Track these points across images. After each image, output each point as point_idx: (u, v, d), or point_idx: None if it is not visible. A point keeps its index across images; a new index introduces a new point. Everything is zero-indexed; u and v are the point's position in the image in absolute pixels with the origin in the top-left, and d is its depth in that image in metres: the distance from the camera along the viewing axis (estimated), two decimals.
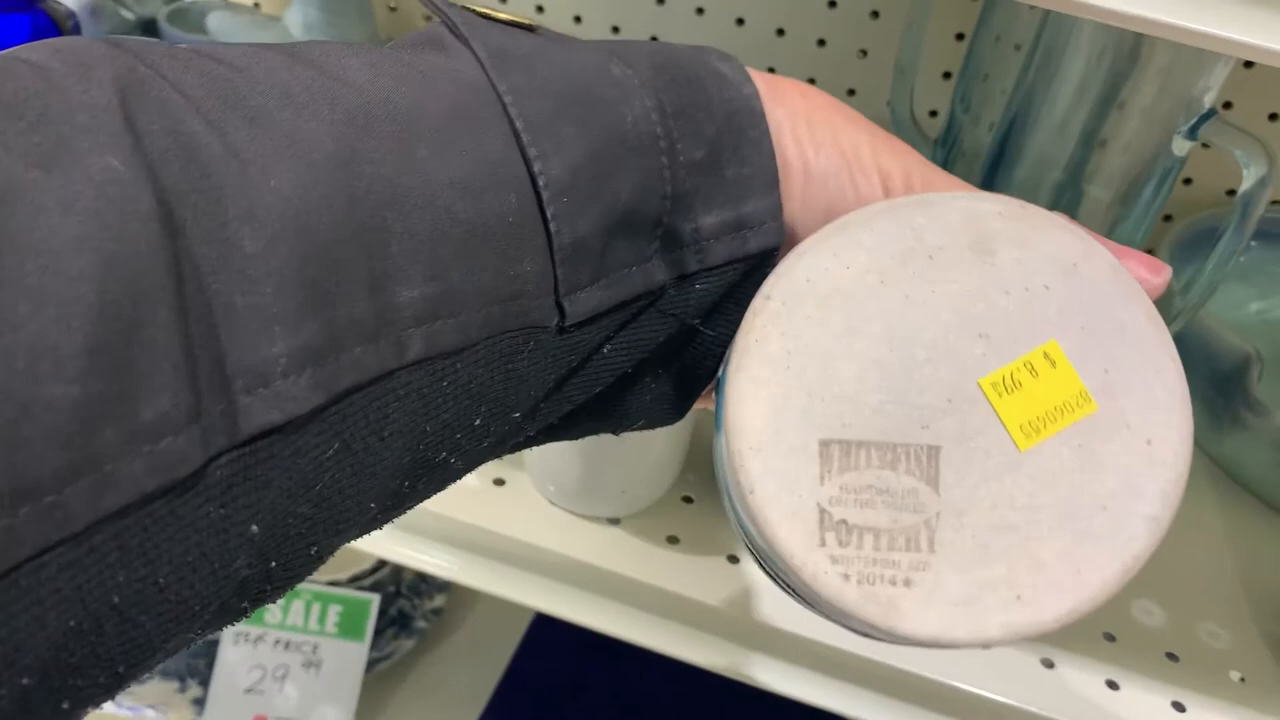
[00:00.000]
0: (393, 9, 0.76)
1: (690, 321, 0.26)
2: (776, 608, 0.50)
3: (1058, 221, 0.23)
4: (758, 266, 0.26)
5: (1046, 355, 0.22)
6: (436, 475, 0.24)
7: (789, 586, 0.23)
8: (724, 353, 0.27)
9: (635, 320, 0.26)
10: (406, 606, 0.86)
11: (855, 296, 0.23)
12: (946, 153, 0.62)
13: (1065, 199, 0.53)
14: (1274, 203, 0.66)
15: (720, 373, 0.25)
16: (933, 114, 0.68)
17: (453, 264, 0.21)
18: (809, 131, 0.25)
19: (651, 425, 0.29)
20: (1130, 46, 0.47)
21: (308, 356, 0.19)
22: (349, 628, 0.79)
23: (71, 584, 0.17)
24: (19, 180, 0.17)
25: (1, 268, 0.16)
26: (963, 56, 0.58)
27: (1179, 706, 0.47)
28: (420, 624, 0.87)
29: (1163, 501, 0.22)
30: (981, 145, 0.55)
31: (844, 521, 0.22)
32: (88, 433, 0.16)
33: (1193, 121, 0.48)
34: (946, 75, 0.66)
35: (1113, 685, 0.48)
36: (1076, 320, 0.22)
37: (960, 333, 0.22)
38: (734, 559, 0.52)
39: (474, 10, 0.25)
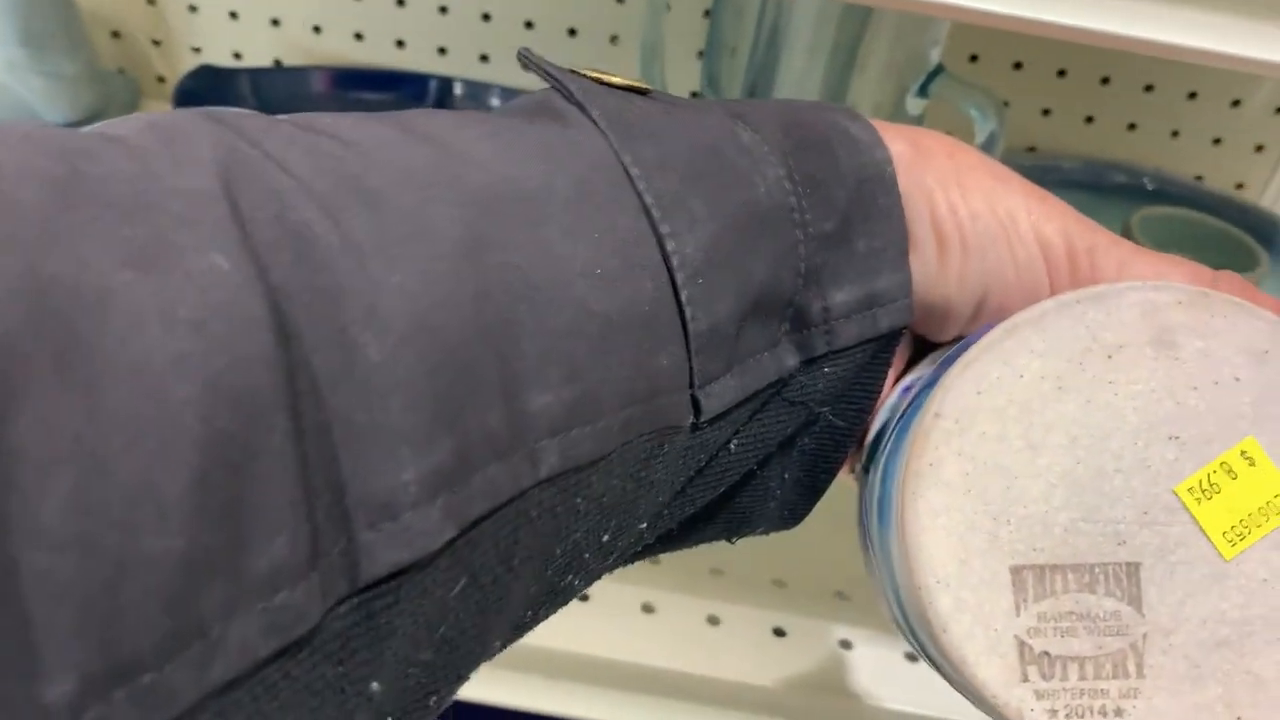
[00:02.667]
0: (116, 35, 0.71)
1: (818, 410, 0.24)
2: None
3: (1242, 306, 0.22)
4: (884, 348, 0.24)
5: (1244, 454, 0.21)
6: (558, 600, 0.22)
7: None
8: (849, 444, 0.25)
9: (762, 411, 0.23)
10: None
11: (1032, 406, 0.21)
12: None
13: None
14: (1030, 149, 0.66)
15: (878, 491, 0.23)
16: (695, 95, 0.66)
17: (589, 363, 0.19)
18: (962, 198, 0.23)
19: (769, 530, 0.27)
20: (860, 6, 0.47)
21: (439, 481, 0.17)
22: None
23: None
24: (112, 284, 0.14)
25: (94, 393, 0.13)
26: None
27: None
28: None
29: None
30: None
31: (1046, 653, 0.21)
32: (193, 592, 0.14)
33: (922, 79, 0.47)
34: (701, 54, 0.65)
35: None
36: (1273, 411, 0.21)
37: (1149, 437, 0.21)
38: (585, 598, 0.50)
39: (586, 75, 0.22)
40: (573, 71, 0.22)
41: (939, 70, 0.48)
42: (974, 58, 0.63)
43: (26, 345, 0.13)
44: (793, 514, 0.27)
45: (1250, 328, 0.21)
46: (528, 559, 0.19)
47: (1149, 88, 0.64)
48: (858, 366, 0.24)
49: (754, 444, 0.24)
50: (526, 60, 0.23)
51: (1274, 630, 0.21)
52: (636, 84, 0.23)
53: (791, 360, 0.23)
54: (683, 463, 0.22)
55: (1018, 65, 0.64)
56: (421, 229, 0.17)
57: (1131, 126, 0.66)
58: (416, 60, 0.68)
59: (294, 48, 0.68)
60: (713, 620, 0.51)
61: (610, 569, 0.23)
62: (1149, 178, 0.65)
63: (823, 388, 0.24)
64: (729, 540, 0.27)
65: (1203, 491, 0.21)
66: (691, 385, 0.21)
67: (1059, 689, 0.21)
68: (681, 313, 0.20)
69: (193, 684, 0.14)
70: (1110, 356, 0.21)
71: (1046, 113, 0.66)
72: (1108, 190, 0.65)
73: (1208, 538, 0.21)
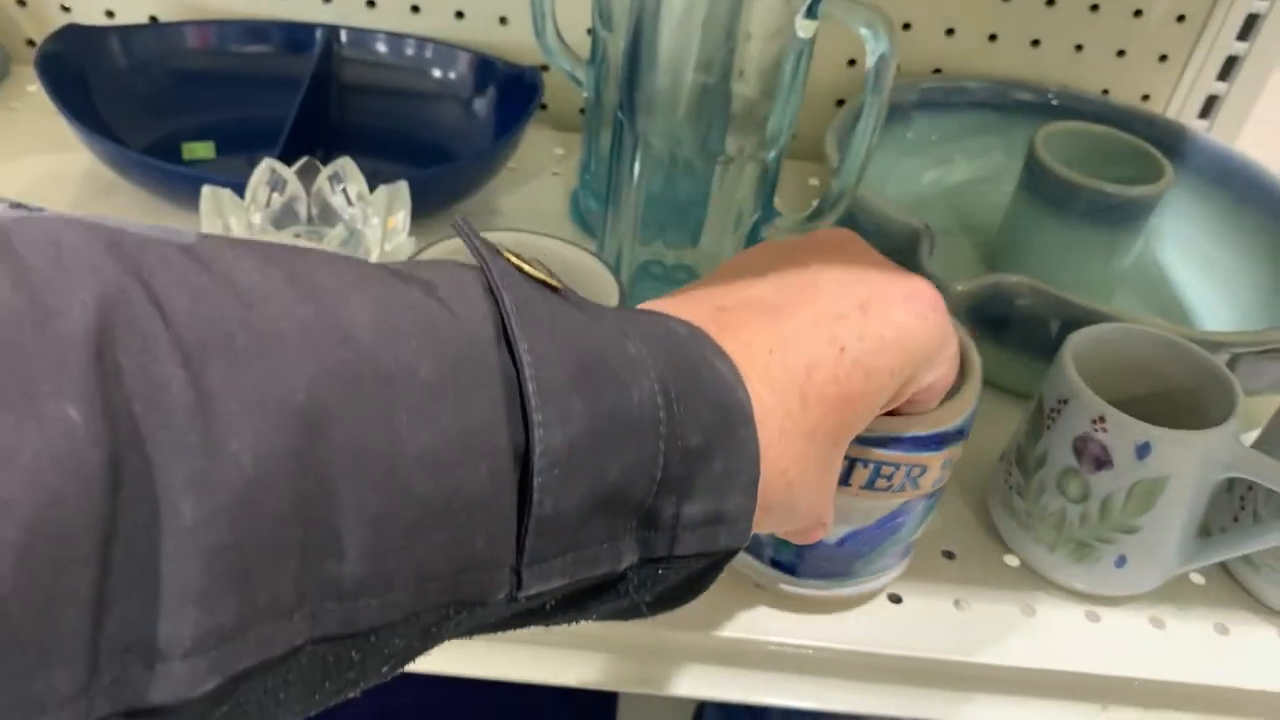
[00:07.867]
0: None
1: (638, 600, 0.26)
2: None
3: None
4: (716, 565, 0.26)
5: None
6: (337, 701, 0.23)
7: None
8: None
9: (586, 590, 0.25)
10: None
11: None
12: (596, 71, 0.58)
13: (712, 101, 0.50)
14: (935, 71, 0.65)
15: None
16: (588, 32, 0.64)
17: (394, 544, 0.20)
18: (787, 485, 0.27)
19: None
20: None
21: (217, 638, 0.18)
22: None
23: None
24: None
25: None
26: None
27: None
28: None
29: None
30: (621, 57, 0.52)
31: None
32: None
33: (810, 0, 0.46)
34: None
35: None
36: None
37: None
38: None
39: (509, 258, 0.24)
40: (497, 251, 0.24)
41: None
42: None
43: None
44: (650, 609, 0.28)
45: None
46: (297, 696, 0.20)
47: (1051, 2, 0.63)
48: (689, 577, 0.26)
49: (570, 612, 0.26)
50: (461, 229, 0.25)
51: None
52: (550, 280, 0.25)
53: (631, 556, 0.24)
54: (483, 622, 0.23)
55: None
56: (272, 395, 0.19)
57: (1035, 43, 0.65)
58: (303, 9, 0.65)
59: (171, 2, 0.65)
60: None
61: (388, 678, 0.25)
62: (1054, 94, 0.64)
63: (650, 586, 0.26)
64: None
65: None
66: (518, 561, 0.22)
67: None
68: (529, 496, 0.22)
69: None
70: None
71: (950, 33, 0.65)
72: (1012, 108, 0.64)
73: None
